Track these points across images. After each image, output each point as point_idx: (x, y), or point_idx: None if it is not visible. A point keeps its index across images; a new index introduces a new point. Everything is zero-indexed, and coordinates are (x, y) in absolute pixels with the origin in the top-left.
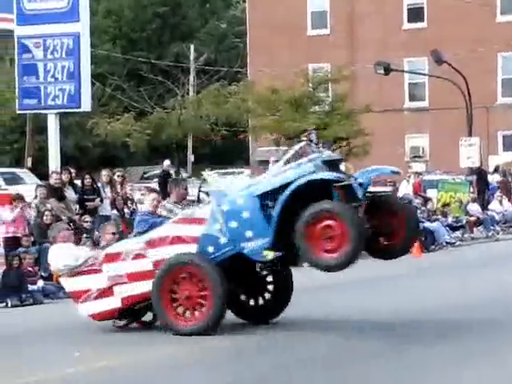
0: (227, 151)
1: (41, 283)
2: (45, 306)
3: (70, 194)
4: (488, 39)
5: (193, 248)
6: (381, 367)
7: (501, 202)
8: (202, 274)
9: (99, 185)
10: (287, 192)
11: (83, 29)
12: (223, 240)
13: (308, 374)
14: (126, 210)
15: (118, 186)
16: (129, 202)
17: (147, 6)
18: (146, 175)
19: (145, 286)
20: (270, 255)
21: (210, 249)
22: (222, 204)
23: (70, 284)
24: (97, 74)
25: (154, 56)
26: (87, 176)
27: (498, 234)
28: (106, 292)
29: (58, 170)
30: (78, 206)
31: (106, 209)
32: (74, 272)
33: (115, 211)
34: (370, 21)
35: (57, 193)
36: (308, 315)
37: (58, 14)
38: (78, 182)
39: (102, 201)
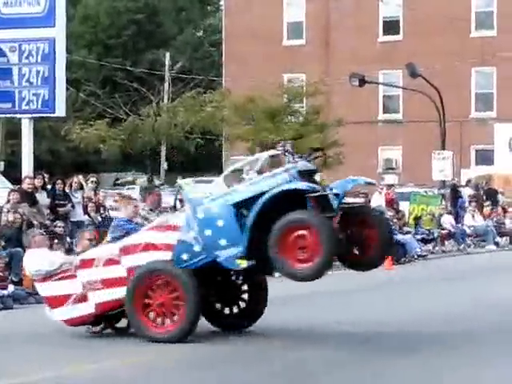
0: (201, 159)
1: (11, 288)
2: (14, 311)
3: (43, 198)
4: (462, 53)
5: (167, 255)
6: (349, 378)
7: (473, 216)
8: (175, 282)
9: (67, 190)
10: (261, 201)
11: (59, 34)
12: (197, 248)
13: None
14: (98, 217)
15: (91, 192)
16: (101, 209)
17: (123, 13)
18: (118, 182)
19: (118, 293)
20: (243, 264)
21: (185, 256)
22: (197, 212)
23: (44, 289)
24: (72, 79)
25: (130, 63)
26: (59, 181)
27: (469, 247)
28: (80, 298)
29: (31, 174)
30: (49, 211)
31: (77, 214)
32: (49, 277)
33: (87, 217)
34: (345, 32)
35: (29, 198)
36: (280, 325)
37: (34, 18)
38: (48, 187)
39: (73, 206)
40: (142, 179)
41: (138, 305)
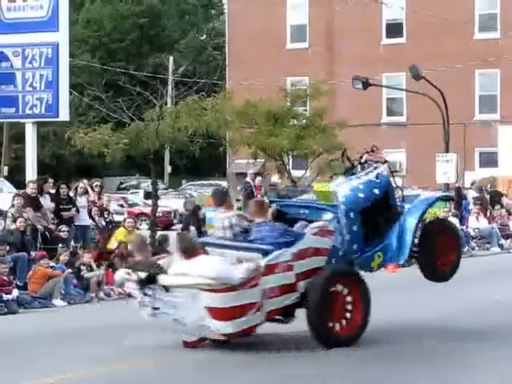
0: (204, 163)
1: (16, 292)
2: (19, 315)
3: (47, 203)
4: (466, 56)
5: (323, 260)
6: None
7: (477, 218)
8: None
9: (71, 194)
10: (423, 208)
11: (62, 38)
12: (341, 253)
13: None
14: (102, 221)
15: (95, 197)
16: (105, 213)
17: (127, 17)
18: (122, 186)
19: (288, 299)
20: (375, 266)
21: (333, 260)
22: (343, 217)
23: (226, 300)
24: (75, 83)
25: (133, 67)
26: (63, 185)
27: (473, 249)
28: (258, 307)
29: (35, 178)
30: (53, 216)
31: (82, 219)
32: (238, 286)
33: (91, 221)
34: (349, 35)
35: (33, 202)
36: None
37: (38, 23)
38: (52, 191)
39: (77, 211)
40: (146, 183)
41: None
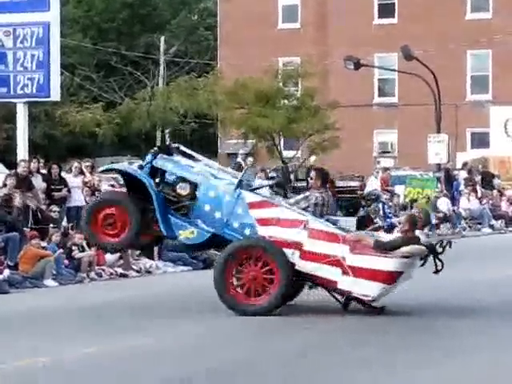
0: (196, 143)
1: (7, 272)
2: (10, 295)
3: (39, 183)
4: (458, 36)
5: None
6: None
7: (468, 199)
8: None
9: (63, 174)
10: None
11: (53, 18)
12: None
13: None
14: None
15: (91, 177)
16: (96, 193)
17: None
18: None
19: None
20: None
21: None
22: None
23: None
24: (67, 64)
25: (125, 47)
26: (54, 166)
27: (464, 230)
28: None
29: (27, 158)
30: (45, 196)
31: (75, 199)
32: None
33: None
34: (340, 15)
35: (25, 182)
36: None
37: (29, 2)
38: (44, 172)
39: (69, 191)
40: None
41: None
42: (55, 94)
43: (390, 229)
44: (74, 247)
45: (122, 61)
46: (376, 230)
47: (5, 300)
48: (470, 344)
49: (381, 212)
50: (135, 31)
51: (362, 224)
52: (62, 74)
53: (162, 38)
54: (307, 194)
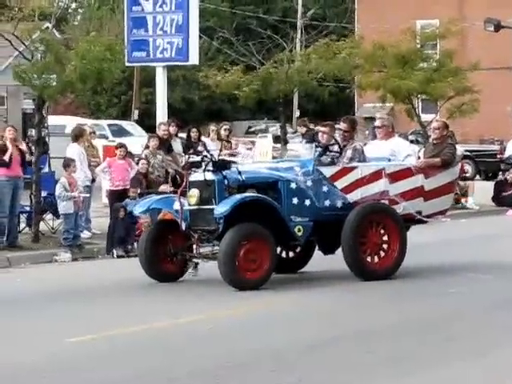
0: (332, 107)
1: None
2: None
3: (178, 146)
4: None
5: None
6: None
7: None
8: None
9: (203, 138)
10: None
11: None
12: None
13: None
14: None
15: (224, 140)
16: (232, 157)
17: None
18: (250, 129)
19: None
20: None
21: None
22: None
23: None
24: (205, 27)
25: (262, 11)
26: (194, 129)
27: None
28: None
29: (166, 121)
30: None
31: None
32: None
33: None
34: None
35: (165, 145)
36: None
37: None
38: (183, 135)
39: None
40: (275, 127)
41: None
42: (194, 58)
43: None
44: None
45: (261, 24)
46: None
47: None
48: None
49: None
50: None
51: (501, 187)
52: (200, 38)
53: (300, 2)
54: (352, 145)
